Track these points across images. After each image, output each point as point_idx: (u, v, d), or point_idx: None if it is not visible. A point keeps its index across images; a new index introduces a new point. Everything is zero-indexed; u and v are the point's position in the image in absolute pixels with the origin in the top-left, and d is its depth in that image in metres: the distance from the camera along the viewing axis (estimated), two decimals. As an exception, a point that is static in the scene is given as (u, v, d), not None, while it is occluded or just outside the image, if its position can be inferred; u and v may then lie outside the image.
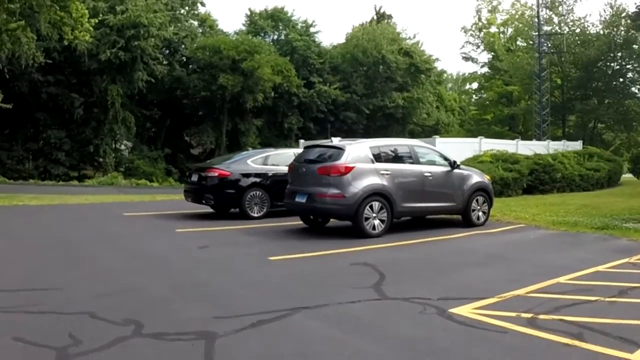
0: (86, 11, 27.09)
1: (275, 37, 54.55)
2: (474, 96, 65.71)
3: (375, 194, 12.29)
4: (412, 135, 50.05)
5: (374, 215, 12.24)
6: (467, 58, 60.99)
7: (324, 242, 11.56)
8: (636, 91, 46.51)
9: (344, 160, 12.25)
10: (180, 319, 6.17)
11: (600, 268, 9.32)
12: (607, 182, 27.95)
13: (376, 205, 12.28)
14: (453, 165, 13.87)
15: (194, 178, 16.24)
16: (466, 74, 68.04)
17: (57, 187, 29.48)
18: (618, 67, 45.64)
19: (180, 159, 44.74)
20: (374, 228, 12.24)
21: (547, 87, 44.31)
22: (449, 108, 66.41)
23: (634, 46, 43.32)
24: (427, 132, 53.05)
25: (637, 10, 33.11)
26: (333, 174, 12.19)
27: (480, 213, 14.38)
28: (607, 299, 7.18)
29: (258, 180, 15.72)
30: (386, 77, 51.28)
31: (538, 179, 23.75)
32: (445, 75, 71.61)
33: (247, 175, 15.68)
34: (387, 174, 12.51)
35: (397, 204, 12.57)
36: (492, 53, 57.56)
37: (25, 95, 36.15)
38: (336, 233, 12.96)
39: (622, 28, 42.99)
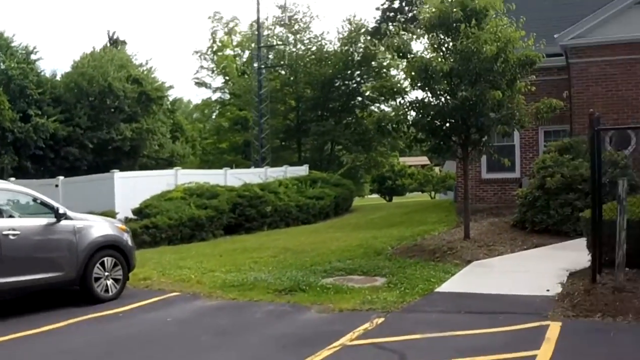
0: None
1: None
2: (210, 124, 61.66)
3: None
4: (145, 169, 44.65)
5: None
6: (200, 84, 56.78)
7: None
8: (375, 109, 44.86)
9: None
10: None
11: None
12: (333, 210, 24.48)
13: None
14: (58, 214, 8.89)
15: None
16: (199, 102, 64.09)
17: None
18: (355, 84, 44.14)
19: None
20: None
21: (269, 108, 41.89)
22: (190, 139, 61.66)
23: (372, 63, 42.06)
24: (162, 165, 47.90)
25: (377, 25, 31.48)
26: None
27: (110, 282, 9.45)
28: None
29: None
30: (114, 108, 45.92)
31: (243, 215, 19.48)
32: (183, 103, 66.92)
33: None
34: None
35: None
36: (226, 77, 54.08)
37: None
38: None
39: (360, 45, 41.54)
